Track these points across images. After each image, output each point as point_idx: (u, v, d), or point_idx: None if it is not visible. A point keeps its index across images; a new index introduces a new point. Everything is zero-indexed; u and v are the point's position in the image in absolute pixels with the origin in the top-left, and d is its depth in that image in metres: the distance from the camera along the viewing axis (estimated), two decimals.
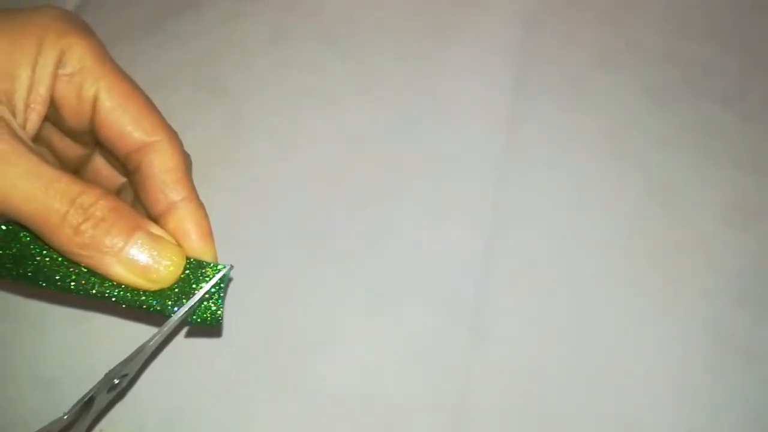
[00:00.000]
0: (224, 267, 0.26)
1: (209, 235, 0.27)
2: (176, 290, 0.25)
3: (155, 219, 0.27)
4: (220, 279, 0.26)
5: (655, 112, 0.39)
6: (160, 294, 0.25)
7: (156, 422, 0.31)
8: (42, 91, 0.25)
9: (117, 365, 0.25)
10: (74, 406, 0.24)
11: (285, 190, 0.37)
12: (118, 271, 0.24)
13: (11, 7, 0.25)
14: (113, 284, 0.25)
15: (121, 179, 0.30)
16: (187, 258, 0.26)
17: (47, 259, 0.25)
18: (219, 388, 0.32)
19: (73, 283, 0.25)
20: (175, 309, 0.25)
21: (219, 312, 0.26)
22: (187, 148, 0.28)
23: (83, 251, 0.23)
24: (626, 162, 0.38)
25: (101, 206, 0.23)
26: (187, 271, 0.26)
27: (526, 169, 0.38)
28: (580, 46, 0.42)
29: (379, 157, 0.38)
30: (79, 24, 0.26)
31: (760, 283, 0.34)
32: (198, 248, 0.27)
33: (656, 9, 0.44)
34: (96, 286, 0.25)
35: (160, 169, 0.26)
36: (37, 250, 0.25)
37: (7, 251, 0.25)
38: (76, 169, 0.30)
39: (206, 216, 0.27)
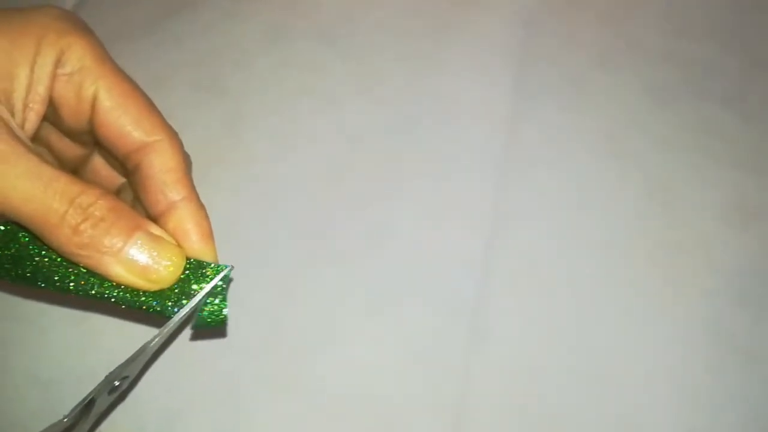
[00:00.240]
0: (225, 267, 0.26)
1: (209, 235, 0.27)
2: (176, 291, 0.25)
3: (155, 219, 0.27)
4: (221, 280, 0.26)
5: (655, 112, 0.39)
6: (160, 294, 0.25)
7: (157, 424, 0.31)
8: (41, 90, 0.25)
9: (117, 367, 0.24)
10: (74, 409, 0.24)
11: (285, 190, 0.37)
12: (118, 271, 0.24)
13: (11, 6, 0.25)
14: (113, 285, 0.25)
15: (120, 179, 0.30)
16: (187, 258, 0.26)
17: (46, 259, 0.25)
18: (220, 388, 0.32)
19: (72, 284, 0.25)
20: (176, 310, 0.25)
21: (223, 313, 0.26)
22: (187, 148, 0.28)
23: (82, 251, 0.23)
24: (626, 162, 0.38)
25: (100, 206, 0.23)
26: (187, 272, 0.26)
27: (526, 169, 0.38)
28: (580, 46, 0.42)
29: (379, 157, 0.38)
30: (78, 23, 0.26)
31: (760, 283, 0.34)
32: (198, 249, 0.26)
33: (656, 9, 0.44)
34: (95, 286, 0.25)
35: (160, 169, 0.26)
36: (36, 251, 0.25)
37: (6, 251, 0.25)
38: (75, 169, 0.30)
39: (206, 216, 0.27)
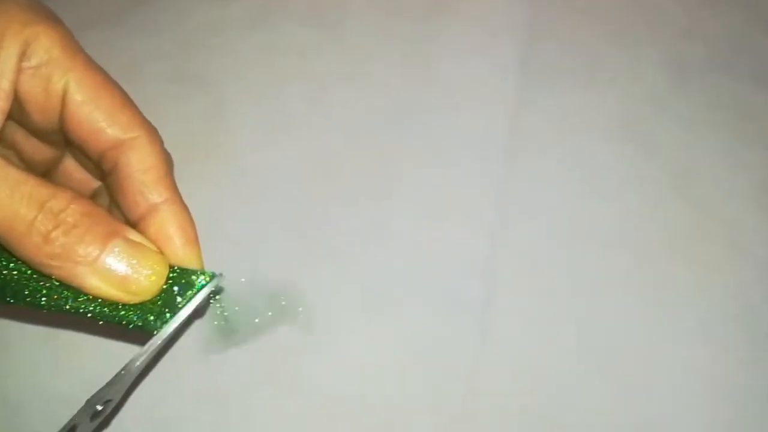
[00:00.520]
0: (213, 275, 0.24)
1: (194, 240, 0.26)
2: (159, 303, 0.24)
3: (134, 224, 0.25)
4: (210, 290, 0.24)
5: (677, 91, 0.38)
6: (141, 308, 0.24)
7: None
8: (5, 85, 0.23)
9: (99, 390, 0.23)
10: None
11: (275, 185, 0.36)
12: (94, 283, 0.23)
13: None
14: (89, 298, 0.23)
15: (95, 183, 0.29)
16: (171, 266, 0.24)
17: (14, 272, 0.24)
18: (213, 392, 0.31)
19: (44, 299, 0.23)
20: (159, 324, 0.23)
21: (226, 324, 0.25)
22: (167, 144, 0.27)
23: (54, 262, 0.22)
24: (644, 146, 0.36)
25: (73, 211, 0.22)
26: (171, 282, 0.24)
27: (534, 157, 0.36)
28: (593, 20, 0.40)
29: (374, 147, 0.37)
30: (45, 12, 0.24)
31: None
32: (182, 255, 0.25)
33: None
34: (69, 300, 0.23)
35: (139, 168, 0.25)
36: (3, 263, 0.24)
37: None
38: (45, 173, 0.29)
39: (191, 219, 0.26)
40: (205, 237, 0.26)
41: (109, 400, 0.23)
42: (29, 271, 0.23)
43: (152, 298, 0.24)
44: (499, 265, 0.33)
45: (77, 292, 0.23)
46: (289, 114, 0.38)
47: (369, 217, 0.35)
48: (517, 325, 0.32)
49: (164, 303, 0.24)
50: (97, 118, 0.25)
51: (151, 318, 0.23)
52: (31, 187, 0.21)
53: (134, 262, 0.23)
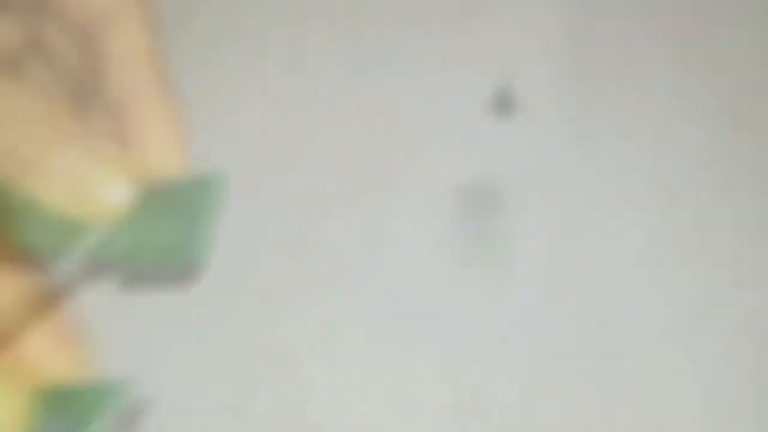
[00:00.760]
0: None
1: (179, 132, 0.23)
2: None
3: (113, 110, 0.23)
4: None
5: None
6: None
7: None
8: None
9: None
10: None
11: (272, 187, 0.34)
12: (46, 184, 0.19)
13: None
14: None
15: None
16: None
17: None
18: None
19: None
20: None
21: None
22: None
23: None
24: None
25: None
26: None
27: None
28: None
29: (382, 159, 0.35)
30: None
31: None
32: (163, 150, 0.22)
33: None
34: None
35: (124, 46, 0.23)
36: None
37: None
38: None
39: (178, 107, 0.23)
40: None
41: None
42: None
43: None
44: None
45: None
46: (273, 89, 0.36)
47: (359, 237, 0.34)
48: (532, 337, 0.32)
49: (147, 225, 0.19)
50: None
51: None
52: None
53: (96, 167, 0.19)
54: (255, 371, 0.31)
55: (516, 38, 0.37)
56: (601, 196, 0.35)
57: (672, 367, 0.32)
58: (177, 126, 0.23)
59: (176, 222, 0.19)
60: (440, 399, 0.31)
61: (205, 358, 0.31)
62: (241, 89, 0.36)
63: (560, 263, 0.33)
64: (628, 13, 0.38)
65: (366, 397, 0.31)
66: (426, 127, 0.36)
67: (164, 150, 0.22)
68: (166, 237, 0.19)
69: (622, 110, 0.36)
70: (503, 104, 0.35)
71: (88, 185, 0.19)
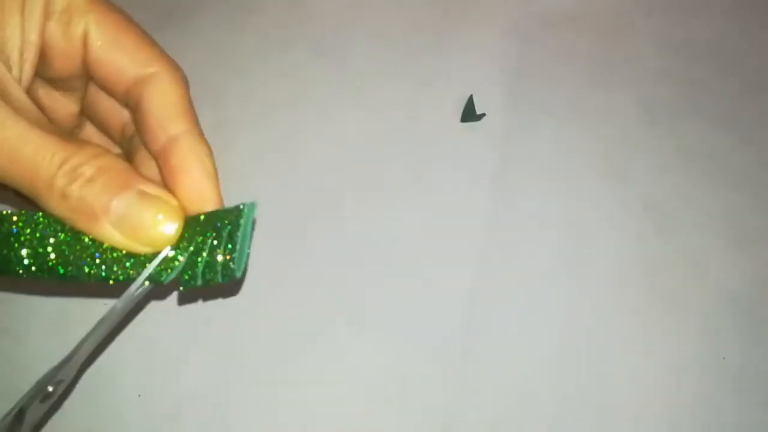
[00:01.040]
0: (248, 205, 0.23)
1: (213, 171, 0.25)
2: (192, 250, 0.23)
3: (156, 158, 0.25)
4: (213, 230, 0.23)
5: (652, 131, 0.38)
6: (172, 263, 0.23)
7: None
8: (33, 38, 0.23)
9: (49, 370, 0.22)
10: (0, 422, 0.21)
11: (270, 203, 0.35)
12: (108, 232, 0.22)
13: None
14: (113, 257, 0.23)
15: (115, 149, 0.28)
16: (197, 216, 0.23)
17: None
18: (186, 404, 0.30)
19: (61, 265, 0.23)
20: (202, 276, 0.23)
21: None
22: None
23: (72, 214, 0.22)
24: (622, 182, 0.37)
25: (91, 165, 0.22)
26: (199, 230, 0.23)
27: (519, 190, 0.36)
28: (575, 62, 0.40)
29: (362, 172, 0.37)
30: None
31: (756, 305, 0.33)
32: (201, 187, 0.24)
33: (654, 27, 0.42)
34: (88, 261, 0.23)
35: (159, 102, 0.25)
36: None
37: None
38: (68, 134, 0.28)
39: (209, 150, 0.25)
40: None
41: (61, 381, 0.23)
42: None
43: (180, 250, 0.23)
44: (484, 294, 0.33)
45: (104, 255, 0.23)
46: (293, 137, 0.38)
47: (362, 242, 0.35)
48: (502, 356, 0.32)
49: (196, 251, 0.23)
50: (118, 57, 0.24)
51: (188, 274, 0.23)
52: (53, 144, 0.21)
53: (144, 211, 0.22)
54: (255, 371, 0.31)
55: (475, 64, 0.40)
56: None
57: None
58: (211, 164, 0.25)
59: (223, 245, 0.23)
60: None
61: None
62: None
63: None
64: (560, 51, 0.40)
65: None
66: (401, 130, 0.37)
67: (203, 187, 0.24)
68: (215, 258, 0.23)
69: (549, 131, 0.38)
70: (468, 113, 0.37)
71: (142, 224, 0.22)
